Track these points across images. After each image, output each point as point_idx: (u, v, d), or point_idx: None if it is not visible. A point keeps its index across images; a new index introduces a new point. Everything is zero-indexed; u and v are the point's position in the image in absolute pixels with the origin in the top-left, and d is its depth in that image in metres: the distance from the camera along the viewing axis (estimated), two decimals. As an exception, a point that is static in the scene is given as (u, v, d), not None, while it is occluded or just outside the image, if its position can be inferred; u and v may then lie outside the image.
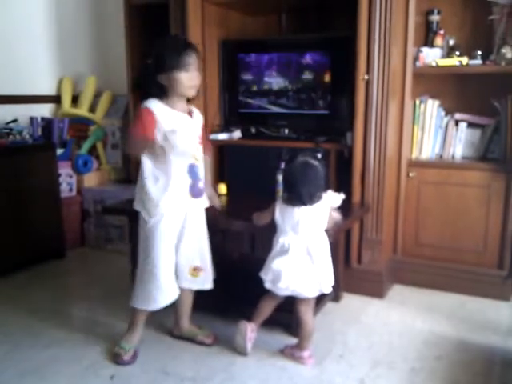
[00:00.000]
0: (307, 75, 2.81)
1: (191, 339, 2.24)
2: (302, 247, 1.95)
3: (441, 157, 2.76)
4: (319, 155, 2.10)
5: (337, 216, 2.05)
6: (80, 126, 3.64)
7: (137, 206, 2.03)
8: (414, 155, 2.77)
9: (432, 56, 2.64)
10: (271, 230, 2.03)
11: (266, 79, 2.93)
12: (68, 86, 3.71)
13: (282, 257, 1.96)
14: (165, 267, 2.02)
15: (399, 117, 2.61)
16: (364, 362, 2.09)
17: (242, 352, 2.12)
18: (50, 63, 3.71)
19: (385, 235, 2.64)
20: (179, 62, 1.90)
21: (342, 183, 2.57)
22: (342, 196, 2.10)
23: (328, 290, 2.03)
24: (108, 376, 2.00)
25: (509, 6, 2.49)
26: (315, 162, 1.95)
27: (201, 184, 2.05)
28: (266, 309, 2.11)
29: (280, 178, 2.32)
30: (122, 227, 3.44)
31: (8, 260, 3.02)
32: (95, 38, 3.92)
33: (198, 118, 2.09)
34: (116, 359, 2.09)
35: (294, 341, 2.17)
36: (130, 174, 3.61)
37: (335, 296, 2.56)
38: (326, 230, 2.01)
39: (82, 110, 3.68)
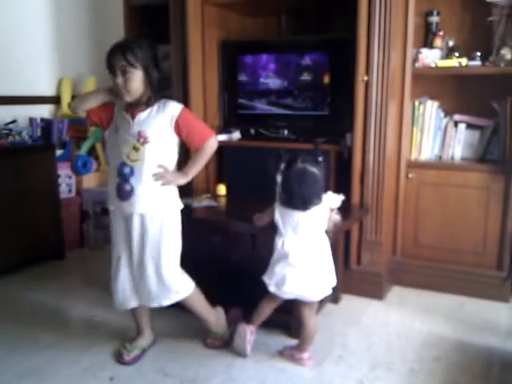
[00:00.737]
0: (306, 76, 2.81)
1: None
2: (302, 249, 1.95)
3: (440, 158, 2.76)
4: (320, 158, 2.09)
5: (336, 217, 2.05)
6: (79, 126, 3.63)
7: None
8: (413, 156, 2.77)
9: (431, 57, 2.65)
10: (270, 230, 2.02)
11: (265, 80, 2.93)
12: (67, 87, 3.70)
13: (284, 260, 1.96)
14: (115, 263, 2.06)
15: (398, 118, 2.61)
16: (363, 363, 2.09)
17: (241, 354, 2.12)
18: (50, 64, 3.70)
19: (384, 236, 2.64)
20: (107, 65, 1.98)
21: (342, 184, 2.57)
22: (341, 197, 2.10)
23: (329, 291, 2.03)
24: (107, 377, 2.00)
25: (508, 7, 2.50)
26: (313, 169, 1.92)
27: (127, 187, 1.92)
28: (266, 310, 2.11)
29: (279, 179, 2.31)
30: (122, 228, 3.43)
31: (7, 261, 3.02)
32: (95, 39, 3.92)
33: (147, 116, 1.94)
34: (118, 358, 2.12)
35: (293, 342, 2.17)
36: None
37: (334, 297, 2.56)
38: (326, 232, 2.01)
39: (82, 111, 3.68)
